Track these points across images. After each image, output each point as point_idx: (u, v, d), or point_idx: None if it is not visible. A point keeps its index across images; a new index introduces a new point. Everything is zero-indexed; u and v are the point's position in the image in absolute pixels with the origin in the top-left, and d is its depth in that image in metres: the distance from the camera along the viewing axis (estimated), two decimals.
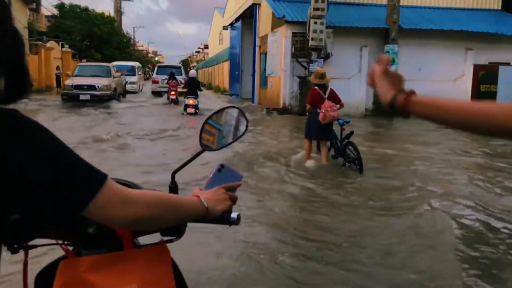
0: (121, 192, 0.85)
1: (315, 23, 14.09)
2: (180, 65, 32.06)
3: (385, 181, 6.25)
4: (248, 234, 3.95)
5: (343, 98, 6.65)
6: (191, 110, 14.08)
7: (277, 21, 16.01)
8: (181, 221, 1.05)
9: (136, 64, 28.99)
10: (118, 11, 49.11)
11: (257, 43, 19.65)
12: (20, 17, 23.20)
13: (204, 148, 1.25)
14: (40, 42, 26.28)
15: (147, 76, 48.20)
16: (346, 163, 6.83)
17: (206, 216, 1.01)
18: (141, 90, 27.36)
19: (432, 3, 17.29)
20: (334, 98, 6.91)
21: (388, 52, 15.02)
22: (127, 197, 0.85)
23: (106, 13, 40.19)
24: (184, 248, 1.45)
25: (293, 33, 15.08)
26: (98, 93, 17.25)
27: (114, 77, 19.33)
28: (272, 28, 16.96)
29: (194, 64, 77.29)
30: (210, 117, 1.29)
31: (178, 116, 14.22)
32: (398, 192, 5.68)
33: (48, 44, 27.29)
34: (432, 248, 3.82)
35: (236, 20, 24.15)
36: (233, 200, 1.08)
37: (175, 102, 18.08)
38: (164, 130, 10.89)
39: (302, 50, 15.13)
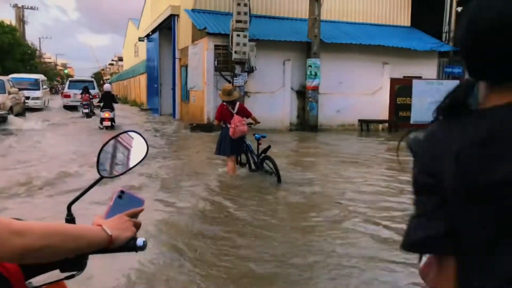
0: (11, 224, 0.81)
1: (238, 35, 13.66)
2: (93, 79, 32.16)
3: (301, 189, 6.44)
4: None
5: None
6: (107, 123, 14.30)
7: (198, 33, 15.35)
8: (81, 252, 0.95)
9: (40, 76, 25.47)
10: (21, 20, 45.09)
11: (177, 55, 18.80)
12: None
13: (102, 175, 1.20)
14: None
15: (55, 90, 45.17)
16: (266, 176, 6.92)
17: (110, 245, 0.97)
18: (46, 106, 24.40)
19: (349, 18, 17.78)
20: (244, 112, 7.07)
21: (310, 66, 15.06)
22: (17, 228, 0.81)
23: (7, 22, 36.66)
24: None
25: (215, 45, 14.52)
26: None
27: (9, 93, 15.83)
28: (193, 40, 16.26)
29: (108, 77, 74.05)
30: (107, 142, 1.24)
31: (94, 131, 13.89)
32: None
33: None
34: None
35: (153, 31, 23.06)
36: (137, 226, 1.05)
37: (89, 115, 18.52)
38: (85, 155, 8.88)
39: (225, 63, 14.61)
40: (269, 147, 6.93)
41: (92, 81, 26.75)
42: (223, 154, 7.14)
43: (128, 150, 1.26)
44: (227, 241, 4.29)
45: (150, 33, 23.89)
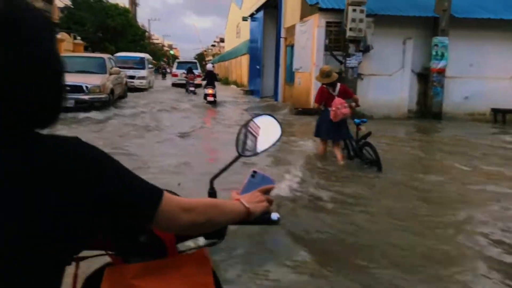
0: (180, 202, 0.92)
1: (354, 10, 12.19)
2: (196, 60, 36.67)
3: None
4: None
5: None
6: (211, 98, 15.68)
7: (307, 10, 14.14)
8: (228, 224, 1.07)
9: (145, 55, 24.57)
10: (133, 2, 47.68)
11: (282, 34, 17.76)
12: None
13: (240, 153, 1.27)
14: None
15: (163, 70, 47.34)
16: (365, 165, 6.43)
17: (248, 217, 1.05)
18: (151, 87, 23.43)
19: None
20: (346, 93, 6.66)
21: (436, 45, 13.06)
22: (185, 205, 0.92)
23: (121, 5, 38.74)
24: None
25: (327, 22, 13.20)
26: (86, 97, 11.81)
27: (110, 74, 13.72)
28: (301, 17, 15.07)
29: (210, 58, 76.32)
30: (245, 124, 1.32)
31: (200, 103, 16.00)
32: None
33: (59, 36, 25.84)
34: None
35: (257, 10, 22.32)
36: (270, 201, 1.13)
37: (194, 92, 20.43)
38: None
39: (337, 42, 13.25)
40: (369, 133, 6.46)
41: (195, 62, 29.72)
42: (321, 136, 6.86)
43: (265, 131, 1.31)
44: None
45: (254, 12, 23.21)
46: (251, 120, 1.33)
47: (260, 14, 21.66)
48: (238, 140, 1.28)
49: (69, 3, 33.92)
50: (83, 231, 0.82)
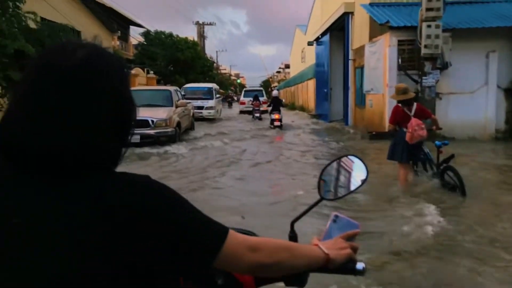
0: (246, 240, 0.89)
1: (429, 26, 11.44)
2: (261, 88, 39.99)
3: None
4: None
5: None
6: (277, 123, 16.43)
7: (377, 29, 13.58)
8: (301, 269, 1.00)
9: (213, 85, 24.43)
10: (201, 35, 49.66)
11: (351, 56, 17.25)
12: (106, 45, 23.16)
13: (322, 197, 1.23)
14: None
15: (229, 99, 48.35)
16: (447, 190, 5.99)
17: (328, 264, 1.00)
18: (219, 116, 23.34)
19: None
20: (422, 113, 6.22)
21: None
22: (252, 245, 0.89)
23: (190, 38, 40.36)
24: None
25: (399, 41, 12.53)
26: (152, 132, 11.37)
27: (177, 106, 13.35)
28: (370, 38, 14.52)
29: (275, 84, 77.08)
30: (328, 165, 1.26)
31: (267, 129, 16.72)
32: None
33: (133, 71, 27.34)
34: None
35: (323, 34, 22.05)
36: (354, 249, 1.05)
37: (259, 118, 21.46)
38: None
39: (411, 61, 12.50)
40: (452, 156, 6.02)
41: (261, 90, 31.67)
42: (396, 159, 6.33)
43: (349, 173, 1.25)
44: None
45: (320, 36, 22.97)
46: (333, 161, 1.27)
47: (326, 38, 21.36)
48: (320, 182, 1.23)
49: (142, 39, 36.01)
50: (156, 270, 0.81)
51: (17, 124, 0.77)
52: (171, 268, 0.88)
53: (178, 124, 12.97)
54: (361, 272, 1.03)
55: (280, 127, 16.18)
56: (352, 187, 1.23)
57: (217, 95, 23.99)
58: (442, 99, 12.32)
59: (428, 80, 11.87)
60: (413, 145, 6.05)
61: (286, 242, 1.00)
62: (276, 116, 16.42)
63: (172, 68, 34.31)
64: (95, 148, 0.79)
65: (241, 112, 27.75)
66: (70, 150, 0.76)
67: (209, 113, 21.42)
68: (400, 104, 6.19)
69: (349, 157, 1.28)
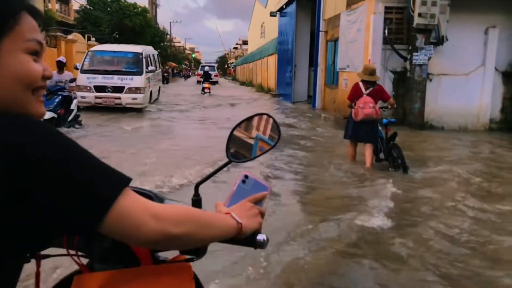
0: (149, 204, 0.74)
1: None
2: (215, 64, 50.38)
3: None
4: None
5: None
6: (207, 90, 22.39)
7: None
8: (211, 241, 0.88)
9: (144, 49, 14.66)
10: (153, 2, 45.71)
11: (322, 27, 14.97)
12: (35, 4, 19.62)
13: (231, 159, 1.13)
14: (60, 34, 22.65)
15: (184, 74, 46.60)
16: (390, 168, 6.07)
17: (238, 235, 0.89)
18: (154, 101, 15.57)
19: None
20: (379, 94, 6.10)
21: None
22: (156, 211, 0.74)
23: (141, 5, 36.83)
24: None
25: (386, 7, 10.37)
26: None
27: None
28: (348, 5, 12.27)
29: (232, 60, 74.90)
30: (238, 125, 1.15)
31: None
32: None
33: (70, 36, 23.75)
34: None
35: (288, 3, 19.68)
36: (262, 214, 0.96)
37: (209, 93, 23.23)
38: None
39: (398, 33, 10.43)
40: (395, 134, 6.10)
41: (214, 66, 39.40)
42: (346, 137, 6.49)
43: (261, 134, 1.15)
44: None
45: (284, 6, 20.59)
46: (244, 121, 1.15)
47: (292, 7, 18.98)
48: (229, 143, 1.13)
49: (85, 3, 32.32)
50: (31, 224, 0.68)
51: None
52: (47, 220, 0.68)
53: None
54: (261, 245, 0.94)
55: (209, 93, 22.17)
56: (262, 149, 1.13)
57: (151, 67, 14.50)
58: (433, 81, 10.37)
59: (420, 57, 9.83)
60: (366, 124, 5.98)
61: (195, 210, 0.85)
62: (206, 85, 22.62)
63: (117, 36, 30.80)
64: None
65: (198, 82, 32.82)
66: None
67: (134, 99, 12.85)
68: (360, 82, 6.15)
69: (262, 116, 1.15)
